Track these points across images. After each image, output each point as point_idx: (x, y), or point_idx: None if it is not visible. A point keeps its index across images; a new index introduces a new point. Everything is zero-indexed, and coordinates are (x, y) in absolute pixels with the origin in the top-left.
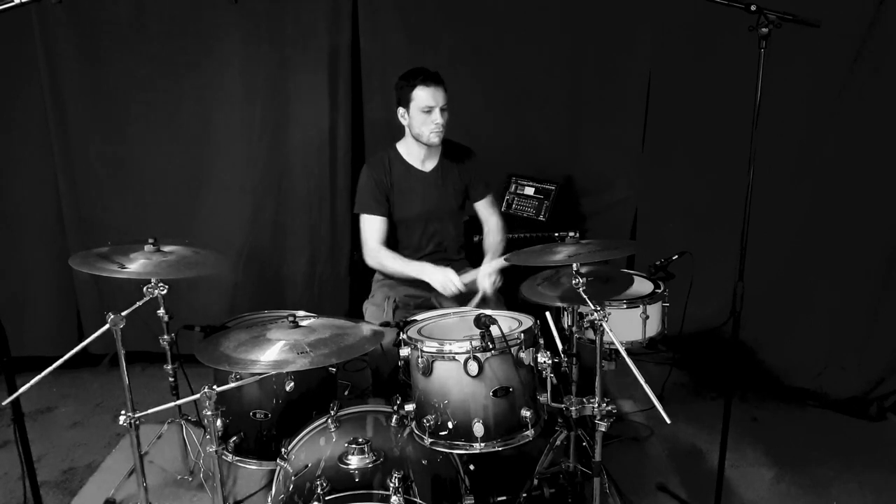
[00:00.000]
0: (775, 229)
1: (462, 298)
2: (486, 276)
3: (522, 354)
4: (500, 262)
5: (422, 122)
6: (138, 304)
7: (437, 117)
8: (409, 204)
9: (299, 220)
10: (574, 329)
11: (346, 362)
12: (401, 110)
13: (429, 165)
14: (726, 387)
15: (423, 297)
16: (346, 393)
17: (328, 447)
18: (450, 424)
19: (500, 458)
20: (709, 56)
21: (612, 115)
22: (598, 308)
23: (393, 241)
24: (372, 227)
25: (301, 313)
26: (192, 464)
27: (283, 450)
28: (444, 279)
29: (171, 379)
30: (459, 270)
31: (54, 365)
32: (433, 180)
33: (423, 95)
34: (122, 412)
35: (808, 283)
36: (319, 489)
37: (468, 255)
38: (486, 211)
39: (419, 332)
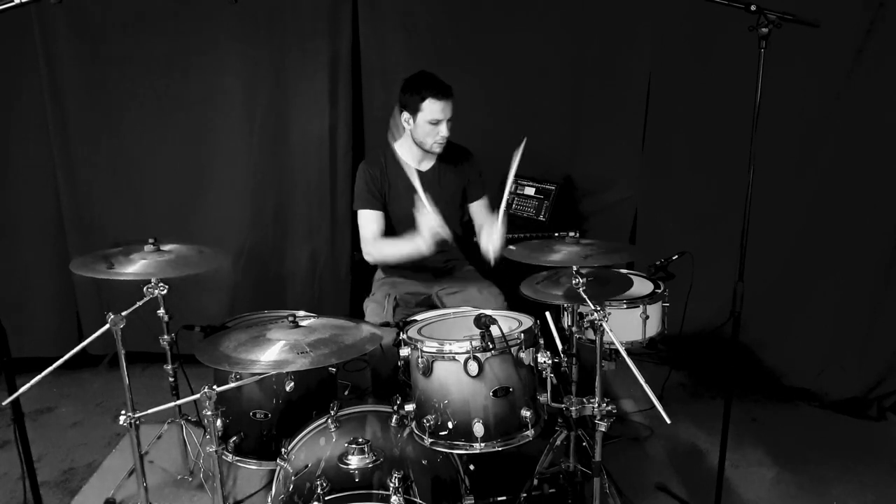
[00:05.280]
0: (775, 229)
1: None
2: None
3: (522, 354)
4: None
5: (427, 133)
6: (138, 304)
7: (443, 130)
8: (405, 204)
9: (299, 219)
10: (574, 329)
11: (345, 362)
12: (405, 115)
13: (426, 165)
14: (726, 387)
15: (424, 294)
16: (346, 393)
17: (328, 447)
18: (450, 424)
19: (500, 458)
20: (709, 56)
21: (612, 115)
22: (598, 308)
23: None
24: (369, 221)
25: (301, 313)
26: (192, 464)
27: (283, 450)
28: (429, 233)
29: (171, 379)
30: (461, 271)
31: (54, 365)
32: (430, 180)
33: (433, 109)
34: (122, 412)
35: (807, 283)
36: (319, 489)
37: (469, 256)
38: (480, 214)
39: (419, 332)
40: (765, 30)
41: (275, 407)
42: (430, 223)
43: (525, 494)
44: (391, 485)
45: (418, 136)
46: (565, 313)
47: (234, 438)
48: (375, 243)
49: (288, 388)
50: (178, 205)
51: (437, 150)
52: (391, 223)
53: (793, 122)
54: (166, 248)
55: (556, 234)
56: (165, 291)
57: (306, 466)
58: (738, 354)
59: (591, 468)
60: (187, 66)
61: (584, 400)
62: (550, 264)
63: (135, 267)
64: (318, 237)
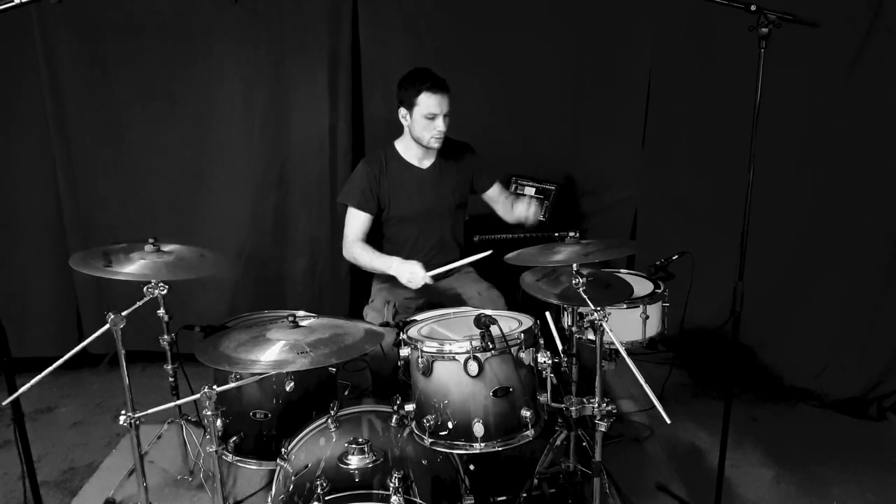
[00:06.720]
0: (775, 229)
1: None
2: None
3: (522, 354)
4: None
5: (423, 128)
6: (138, 304)
7: (439, 124)
8: (406, 202)
9: (299, 219)
10: (574, 329)
11: (345, 362)
12: (402, 111)
13: (426, 163)
14: (726, 387)
15: (423, 299)
16: (346, 393)
17: (328, 447)
18: (450, 424)
19: (500, 458)
20: (709, 56)
21: (612, 114)
22: (598, 308)
23: (392, 240)
24: (355, 221)
25: (301, 313)
26: (192, 464)
27: (283, 450)
28: (410, 274)
29: (171, 379)
30: (460, 273)
31: (54, 365)
32: (430, 178)
33: (429, 103)
34: (122, 412)
35: (807, 283)
36: (319, 489)
37: (469, 256)
38: (499, 198)
39: (419, 332)
40: (765, 30)
41: (275, 407)
42: (417, 273)
43: (525, 494)
44: (391, 485)
45: (416, 132)
46: (565, 313)
47: (234, 438)
48: (354, 245)
49: (288, 388)
50: (178, 205)
51: (435, 145)
52: (390, 221)
53: (793, 122)
54: (167, 248)
55: (556, 235)
56: (165, 291)
57: (306, 466)
58: (739, 354)
59: (591, 468)
60: (187, 65)
61: (584, 400)
62: (553, 265)
63: (134, 267)
64: (318, 237)
